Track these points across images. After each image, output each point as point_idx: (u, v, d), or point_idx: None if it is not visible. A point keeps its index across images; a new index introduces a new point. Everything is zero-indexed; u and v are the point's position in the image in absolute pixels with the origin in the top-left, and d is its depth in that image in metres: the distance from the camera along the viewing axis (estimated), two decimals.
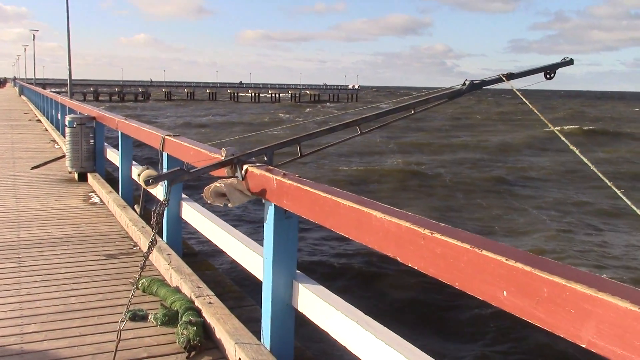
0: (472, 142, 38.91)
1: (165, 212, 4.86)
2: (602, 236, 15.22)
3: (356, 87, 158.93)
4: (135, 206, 4.60)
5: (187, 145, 4.59)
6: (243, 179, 3.39)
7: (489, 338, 8.17)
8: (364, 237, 2.34)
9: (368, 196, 2.58)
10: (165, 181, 3.79)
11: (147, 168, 3.56)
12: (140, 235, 5.72)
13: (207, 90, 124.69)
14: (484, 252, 1.74)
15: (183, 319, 3.69)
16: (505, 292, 1.66)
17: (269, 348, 3.22)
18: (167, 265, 4.72)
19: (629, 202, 2.14)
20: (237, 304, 4.34)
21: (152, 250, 3.28)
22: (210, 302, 3.86)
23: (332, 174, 23.67)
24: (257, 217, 12.91)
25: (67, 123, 9.55)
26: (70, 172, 9.79)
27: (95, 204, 7.84)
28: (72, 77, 24.68)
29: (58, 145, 14.06)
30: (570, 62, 3.80)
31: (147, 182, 3.24)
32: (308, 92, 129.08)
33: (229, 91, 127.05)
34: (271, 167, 3.36)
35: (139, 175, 3.49)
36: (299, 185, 2.86)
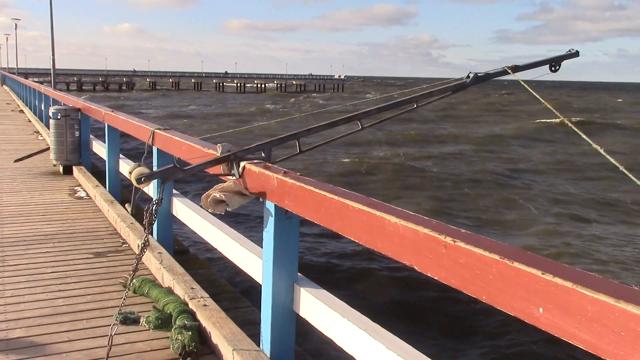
0: (461, 133, 38.89)
1: None
2: (602, 229, 15.25)
3: (342, 77, 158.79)
4: (127, 205, 4.42)
5: (179, 140, 4.41)
6: (240, 176, 3.23)
7: (506, 339, 7.94)
8: (376, 243, 2.18)
9: (358, 189, 2.43)
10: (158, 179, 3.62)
11: (139, 165, 3.37)
12: (130, 232, 5.52)
13: (192, 80, 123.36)
14: (516, 264, 1.59)
15: (177, 322, 3.51)
16: (541, 309, 1.52)
17: (269, 355, 3.07)
18: (158, 264, 4.53)
19: None
20: (233, 305, 4.19)
21: (144, 252, 3.11)
22: (205, 305, 3.69)
23: (319, 167, 23.40)
24: (253, 214, 12.64)
25: (51, 115, 9.26)
26: (55, 165, 9.52)
27: (81, 198, 7.61)
28: (55, 67, 24.16)
29: (42, 136, 13.73)
30: (575, 54, 3.73)
31: (139, 181, 3.06)
32: (294, 82, 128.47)
33: (214, 81, 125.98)
34: (270, 164, 3.20)
35: (130, 172, 3.30)
36: (302, 184, 2.69)
